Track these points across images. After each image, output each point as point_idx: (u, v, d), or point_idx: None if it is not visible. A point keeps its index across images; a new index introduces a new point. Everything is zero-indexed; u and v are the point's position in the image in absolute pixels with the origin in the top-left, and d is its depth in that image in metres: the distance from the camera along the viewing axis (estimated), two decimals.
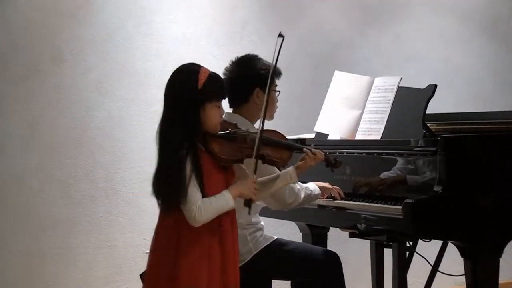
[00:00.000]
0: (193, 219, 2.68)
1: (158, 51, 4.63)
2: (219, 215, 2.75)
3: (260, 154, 2.83)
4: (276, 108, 3.35)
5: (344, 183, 3.42)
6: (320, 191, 3.33)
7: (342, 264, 3.32)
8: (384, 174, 3.30)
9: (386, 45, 5.22)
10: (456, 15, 5.42)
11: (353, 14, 5.14)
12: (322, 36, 5.05)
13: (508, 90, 5.52)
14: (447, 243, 3.75)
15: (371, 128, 3.46)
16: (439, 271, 3.95)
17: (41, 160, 4.40)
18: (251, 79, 3.25)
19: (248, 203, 2.81)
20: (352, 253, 4.43)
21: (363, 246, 4.05)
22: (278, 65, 2.99)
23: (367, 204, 3.28)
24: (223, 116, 2.88)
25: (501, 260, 3.12)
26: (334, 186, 3.41)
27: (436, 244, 3.73)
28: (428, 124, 3.28)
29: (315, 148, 3.08)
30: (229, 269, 2.77)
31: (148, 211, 4.53)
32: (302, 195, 3.22)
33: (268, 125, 2.91)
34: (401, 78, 3.47)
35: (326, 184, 3.39)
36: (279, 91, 3.30)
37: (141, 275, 3.17)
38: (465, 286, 3.16)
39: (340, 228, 3.48)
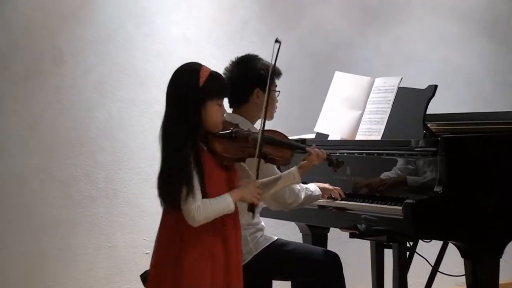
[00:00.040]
0: (192, 218, 2.69)
1: (158, 51, 4.63)
2: (223, 216, 2.75)
3: (262, 153, 2.83)
4: (276, 108, 3.35)
5: (344, 183, 3.43)
6: (320, 192, 3.33)
7: (343, 264, 3.32)
8: (385, 175, 3.30)
9: (386, 46, 5.22)
10: (456, 15, 5.42)
11: (353, 14, 5.14)
12: (322, 36, 5.05)
13: (508, 90, 5.53)
14: (448, 243, 3.75)
15: (372, 129, 3.46)
16: (440, 272, 3.95)
17: (42, 161, 4.40)
18: (251, 79, 3.26)
19: (252, 208, 2.81)
20: (353, 253, 4.43)
21: (363, 247, 4.05)
22: (278, 65, 3.00)
23: (367, 204, 3.28)
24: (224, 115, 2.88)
25: (501, 260, 3.12)
26: (335, 187, 3.41)
27: (437, 244, 3.73)
28: (428, 125, 3.28)
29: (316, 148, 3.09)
30: (232, 269, 2.77)
31: (148, 212, 4.54)
32: (303, 196, 3.22)
33: (268, 125, 2.91)
34: (401, 78, 3.47)
35: (327, 185, 3.39)
36: (279, 91, 3.30)
37: (141, 276, 3.17)
38: (465, 287, 3.16)
39: (340, 228, 3.48)
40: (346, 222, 3.35)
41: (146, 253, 4.54)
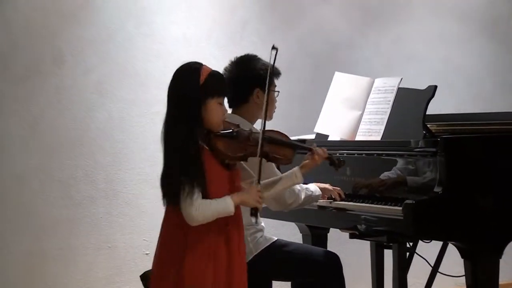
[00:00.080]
0: (190, 217, 2.69)
1: (158, 52, 4.63)
2: (226, 217, 2.75)
3: (264, 152, 2.83)
4: (275, 108, 3.35)
5: (344, 184, 3.42)
6: (320, 192, 3.33)
7: (342, 265, 3.32)
8: (384, 175, 3.29)
9: (386, 46, 5.22)
10: (456, 16, 5.42)
11: (353, 14, 5.14)
12: (322, 36, 5.05)
13: (508, 90, 5.53)
14: (447, 244, 3.75)
15: (371, 129, 3.46)
16: (439, 272, 3.95)
17: (42, 161, 4.41)
18: (251, 79, 3.26)
19: (255, 212, 2.81)
20: (352, 254, 4.43)
21: (363, 247, 4.05)
22: (277, 65, 3.00)
23: (367, 205, 3.28)
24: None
25: (501, 261, 3.12)
26: (335, 187, 3.41)
27: (436, 245, 3.73)
28: (428, 125, 3.27)
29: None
30: (235, 269, 2.77)
31: (148, 212, 4.54)
32: (303, 196, 3.22)
33: (268, 125, 2.91)
34: (401, 79, 3.47)
35: (327, 186, 3.39)
36: (278, 91, 3.30)
37: (141, 276, 3.17)
38: (465, 287, 3.16)
39: (340, 229, 3.47)
40: (346, 222, 3.35)
41: (146, 254, 4.54)
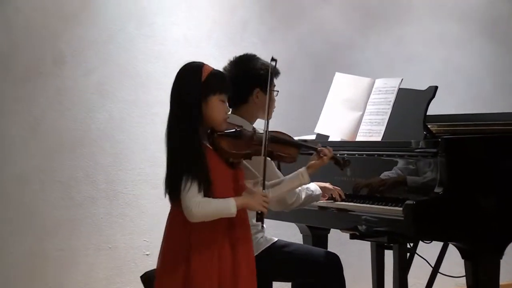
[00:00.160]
0: (190, 212, 2.69)
1: (159, 52, 4.64)
2: (231, 217, 2.75)
3: (268, 151, 2.84)
4: (274, 108, 3.35)
5: (345, 184, 3.43)
6: (321, 192, 3.33)
7: (343, 265, 3.32)
8: (385, 174, 3.29)
9: (387, 46, 5.22)
10: (456, 16, 5.42)
11: (353, 15, 5.15)
12: (322, 36, 5.05)
13: (508, 91, 5.53)
14: (448, 244, 3.75)
15: (372, 130, 3.46)
16: (440, 273, 3.95)
17: (42, 162, 4.41)
18: (250, 79, 3.25)
19: (260, 218, 2.81)
20: (353, 254, 4.43)
21: (364, 248, 4.05)
22: (277, 65, 3.00)
23: (368, 205, 3.28)
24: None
25: (502, 261, 3.12)
26: (335, 187, 3.41)
27: (437, 245, 3.73)
28: (429, 126, 3.28)
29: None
30: (240, 274, 2.77)
31: (148, 213, 4.54)
32: (303, 196, 3.22)
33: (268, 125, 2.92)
34: (402, 79, 3.47)
35: (327, 185, 3.39)
36: (278, 91, 3.30)
37: (141, 277, 3.18)
38: None
39: (340, 229, 3.48)
40: (347, 223, 3.35)
41: (147, 254, 4.54)
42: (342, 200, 3.40)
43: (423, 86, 3.39)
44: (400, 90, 3.44)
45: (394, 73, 4.74)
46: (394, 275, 3.49)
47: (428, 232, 3.07)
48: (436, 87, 3.29)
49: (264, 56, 3.30)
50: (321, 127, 3.70)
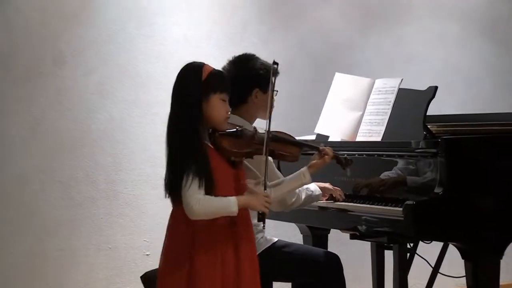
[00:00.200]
0: (190, 209, 2.69)
1: (159, 53, 4.64)
2: (233, 217, 2.76)
3: (269, 150, 2.84)
4: (273, 107, 3.34)
5: (345, 184, 3.42)
6: (321, 192, 3.32)
7: (343, 265, 3.32)
8: (385, 174, 3.29)
9: (387, 47, 5.22)
10: (456, 16, 5.42)
11: (353, 15, 5.15)
12: (322, 37, 5.05)
13: (508, 91, 5.53)
14: (448, 244, 3.75)
15: (372, 130, 3.46)
16: (440, 273, 3.95)
17: (42, 162, 4.41)
18: (250, 79, 3.24)
19: (262, 218, 2.80)
20: (353, 254, 4.43)
21: (364, 248, 4.05)
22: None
23: (368, 205, 3.28)
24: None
25: (502, 261, 3.12)
26: (335, 187, 3.41)
27: (437, 245, 3.73)
28: (428, 126, 3.28)
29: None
30: (243, 273, 2.77)
31: (148, 213, 4.54)
32: (303, 196, 3.22)
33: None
34: (402, 79, 3.47)
35: (327, 185, 3.39)
36: (277, 91, 3.30)
37: (142, 277, 3.18)
38: None
39: (341, 229, 3.48)
40: (347, 223, 3.35)
41: (147, 255, 4.54)
42: (342, 200, 3.39)
43: (423, 86, 3.39)
44: (400, 90, 3.44)
45: (394, 73, 4.74)
46: (394, 275, 3.49)
47: (428, 232, 3.07)
48: (436, 87, 3.29)
49: (264, 56, 3.30)
50: (321, 127, 3.69)
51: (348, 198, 3.40)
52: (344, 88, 3.67)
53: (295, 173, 3.04)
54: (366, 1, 5.20)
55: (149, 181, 4.53)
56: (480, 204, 3.06)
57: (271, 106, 3.08)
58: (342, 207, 3.37)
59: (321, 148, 3.06)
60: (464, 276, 3.14)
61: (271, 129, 2.87)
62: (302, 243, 3.80)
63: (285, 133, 3.03)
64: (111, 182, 4.53)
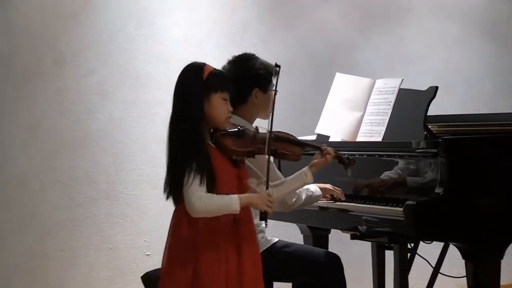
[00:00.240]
0: (192, 206, 2.69)
1: (159, 53, 4.64)
2: (236, 217, 2.76)
3: (272, 149, 2.84)
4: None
5: (345, 184, 3.43)
6: (321, 193, 3.33)
7: (344, 266, 3.32)
8: (385, 174, 3.30)
9: (387, 47, 5.22)
10: (456, 17, 5.42)
11: (353, 15, 5.15)
12: (322, 37, 5.05)
13: (508, 91, 5.53)
14: (448, 245, 3.75)
15: (372, 130, 3.46)
16: (441, 273, 3.95)
17: (43, 162, 4.41)
18: (250, 78, 3.23)
19: (264, 216, 2.81)
20: (354, 255, 4.43)
21: (365, 248, 4.05)
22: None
23: (368, 206, 3.28)
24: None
25: (502, 261, 3.12)
26: (336, 188, 3.41)
27: (438, 246, 3.73)
28: (429, 126, 3.28)
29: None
30: (245, 273, 2.77)
31: (149, 213, 4.54)
32: (304, 196, 3.22)
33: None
34: (402, 80, 3.47)
35: (328, 186, 3.40)
36: (277, 91, 3.29)
37: (142, 277, 3.18)
38: None
39: (341, 230, 3.48)
40: (347, 223, 3.35)
41: (147, 255, 4.54)
42: (343, 201, 3.40)
43: (423, 86, 3.39)
44: (401, 91, 3.44)
45: (394, 74, 4.74)
46: (395, 276, 3.49)
47: (428, 233, 3.07)
48: (437, 88, 3.29)
49: (264, 56, 3.30)
50: (322, 128, 3.70)
51: (349, 198, 3.40)
52: (344, 88, 3.67)
53: (296, 173, 3.04)
54: (366, 1, 5.20)
55: (150, 181, 4.53)
56: (480, 204, 3.06)
57: (269, 106, 3.09)
58: (343, 207, 3.37)
59: (323, 147, 3.07)
60: (464, 276, 3.15)
61: (275, 130, 2.88)
62: (303, 243, 3.80)
63: (287, 133, 3.03)
64: (111, 182, 4.54)
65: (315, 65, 5.01)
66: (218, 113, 2.81)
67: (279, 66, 2.89)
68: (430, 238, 3.26)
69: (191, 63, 2.87)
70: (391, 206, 3.17)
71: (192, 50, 4.65)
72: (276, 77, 2.89)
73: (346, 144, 3.55)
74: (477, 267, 3.07)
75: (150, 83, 4.61)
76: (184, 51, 4.63)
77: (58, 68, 4.45)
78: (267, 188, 2.83)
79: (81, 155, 4.48)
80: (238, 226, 2.79)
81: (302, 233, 3.88)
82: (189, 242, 2.74)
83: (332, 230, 3.79)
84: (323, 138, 3.69)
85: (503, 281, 3.23)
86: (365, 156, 3.42)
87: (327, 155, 3.05)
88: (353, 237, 3.39)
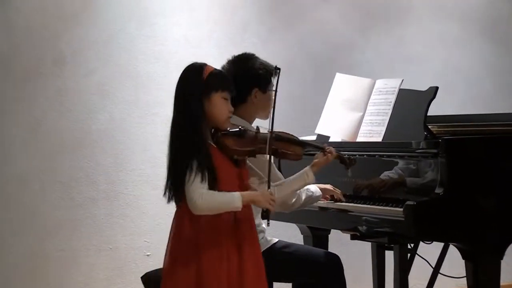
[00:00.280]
0: (193, 204, 2.69)
1: (160, 53, 4.64)
2: (237, 216, 2.76)
3: (272, 148, 2.85)
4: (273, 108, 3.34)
5: (345, 185, 3.43)
6: (321, 193, 3.33)
7: (344, 266, 3.32)
8: (385, 174, 3.30)
9: (387, 47, 5.22)
10: (456, 17, 5.42)
11: (353, 15, 5.15)
12: (322, 37, 5.05)
13: (508, 91, 5.53)
14: (448, 245, 3.75)
15: (372, 130, 3.46)
16: (441, 273, 3.95)
17: (43, 162, 4.41)
18: (249, 78, 3.23)
19: (266, 215, 2.81)
20: (354, 255, 4.43)
21: (365, 248, 4.05)
22: (277, 65, 3.00)
23: (368, 206, 3.28)
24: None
25: (502, 262, 3.12)
26: (336, 188, 3.41)
27: (438, 246, 3.73)
28: (429, 126, 3.28)
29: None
30: (246, 272, 2.77)
31: (149, 214, 4.54)
32: (304, 197, 3.22)
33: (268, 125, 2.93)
34: (403, 80, 3.47)
35: (328, 186, 3.40)
36: (277, 91, 3.29)
37: (142, 278, 3.18)
38: None
39: (341, 230, 3.48)
40: (347, 223, 3.35)
41: (147, 255, 4.54)
42: (343, 201, 3.40)
43: (423, 87, 3.39)
44: (401, 91, 3.44)
45: (394, 74, 4.74)
46: (395, 276, 3.49)
47: (428, 233, 3.07)
48: (437, 88, 3.29)
49: (264, 56, 3.30)
50: (322, 128, 3.70)
51: (349, 198, 3.40)
52: (344, 88, 3.67)
53: (298, 173, 3.04)
54: (366, 1, 5.20)
55: (150, 181, 4.53)
56: (480, 204, 3.06)
57: (269, 106, 3.10)
58: (343, 207, 3.37)
59: (325, 147, 3.07)
60: (464, 277, 3.15)
61: (276, 130, 2.88)
62: (303, 244, 3.80)
63: (288, 133, 3.03)
64: (111, 182, 4.54)
65: (315, 65, 5.01)
66: (219, 113, 2.82)
67: (279, 69, 2.90)
68: (430, 238, 3.26)
69: (192, 64, 2.87)
70: (391, 206, 3.17)
71: (192, 51, 4.65)
72: (277, 80, 2.89)
73: (346, 145, 3.54)
74: (477, 267, 3.07)
75: (150, 83, 4.61)
76: (184, 52, 4.64)
77: (58, 68, 4.45)
78: (268, 187, 2.83)
79: (81, 155, 4.48)
80: (239, 225, 2.79)
81: (302, 234, 3.88)
82: (191, 241, 2.74)
83: (332, 230, 3.79)
84: (323, 138, 3.69)
85: (503, 281, 3.23)
86: (365, 156, 3.42)
87: (329, 155, 3.05)
88: (353, 237, 3.39)
